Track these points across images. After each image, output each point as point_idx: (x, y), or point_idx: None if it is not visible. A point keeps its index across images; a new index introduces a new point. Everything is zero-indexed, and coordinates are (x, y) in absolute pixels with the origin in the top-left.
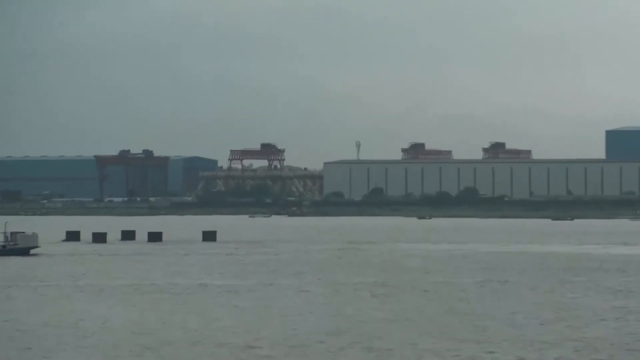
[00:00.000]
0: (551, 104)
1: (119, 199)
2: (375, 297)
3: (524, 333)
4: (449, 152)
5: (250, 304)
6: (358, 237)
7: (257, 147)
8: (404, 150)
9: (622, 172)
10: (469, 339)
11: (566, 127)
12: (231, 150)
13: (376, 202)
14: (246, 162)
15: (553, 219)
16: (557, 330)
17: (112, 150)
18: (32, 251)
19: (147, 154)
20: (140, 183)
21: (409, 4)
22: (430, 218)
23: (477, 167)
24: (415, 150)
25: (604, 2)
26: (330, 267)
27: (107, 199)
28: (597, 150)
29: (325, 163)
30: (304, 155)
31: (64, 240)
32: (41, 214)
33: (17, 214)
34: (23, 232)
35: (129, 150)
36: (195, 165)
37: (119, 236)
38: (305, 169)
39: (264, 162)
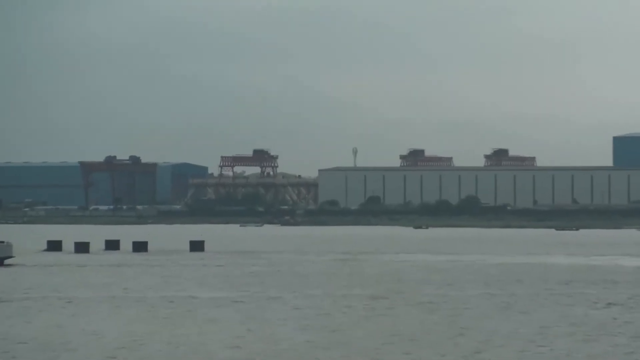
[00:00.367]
0: (556, 109)
1: (105, 207)
2: (371, 311)
3: (528, 349)
4: (450, 158)
5: (238, 318)
6: (354, 247)
7: (249, 153)
8: (402, 157)
9: (630, 181)
10: (470, 353)
11: (572, 133)
12: (222, 157)
13: (373, 211)
14: (238, 169)
15: (557, 229)
16: (562, 345)
17: (98, 157)
18: (6, 261)
19: (134, 160)
20: (127, 190)
21: (407, 7)
22: (427, 228)
23: (478, 174)
24: (414, 157)
25: (610, 4)
26: (325, 279)
27: (92, 207)
28: (604, 157)
29: (320, 170)
30: (298, 162)
31: (44, 250)
32: (23, 223)
33: None
34: None
35: (115, 156)
36: (184, 172)
37: (103, 246)
38: (299, 176)
39: (256, 169)
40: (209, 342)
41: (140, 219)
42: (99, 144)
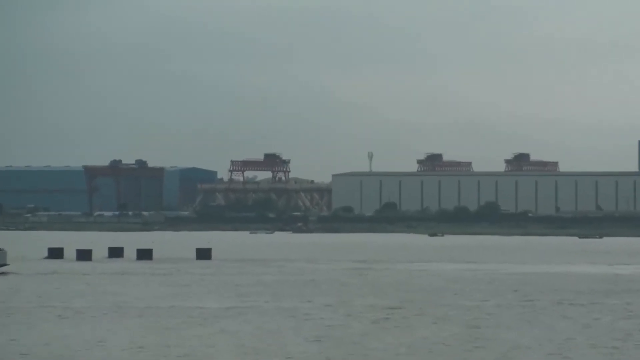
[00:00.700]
0: (580, 112)
1: (110, 213)
2: (387, 321)
3: None
4: (469, 163)
5: (248, 329)
6: (369, 255)
7: (260, 157)
8: (419, 162)
9: None
10: None
11: (596, 137)
12: (232, 161)
13: (389, 218)
14: (248, 174)
15: (580, 237)
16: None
17: (103, 161)
18: (0, 270)
19: (141, 164)
20: (133, 196)
21: (426, 9)
22: (442, 235)
23: (498, 180)
24: (432, 162)
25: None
26: (339, 289)
27: (96, 213)
28: (630, 162)
29: (333, 175)
30: (310, 166)
31: (45, 258)
32: (24, 229)
33: None
34: None
35: (120, 160)
36: (192, 177)
37: (106, 253)
38: (312, 181)
39: (267, 174)
40: (218, 354)
41: (147, 226)
42: (103, 147)
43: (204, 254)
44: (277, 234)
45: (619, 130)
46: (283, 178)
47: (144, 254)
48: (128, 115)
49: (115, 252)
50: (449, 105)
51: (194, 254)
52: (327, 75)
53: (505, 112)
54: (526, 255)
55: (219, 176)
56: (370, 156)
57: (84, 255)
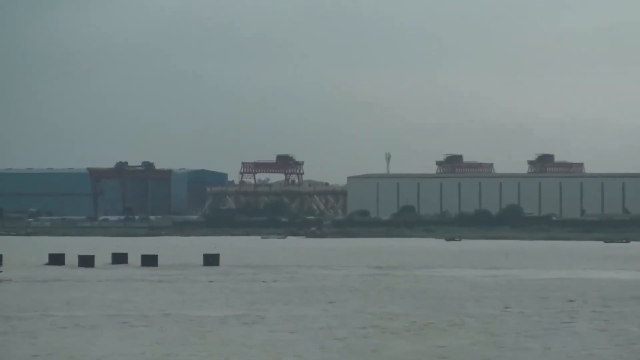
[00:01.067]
0: (605, 112)
1: (115, 218)
2: (407, 330)
3: None
4: (490, 165)
5: (260, 338)
6: (386, 261)
7: (273, 159)
8: (438, 163)
9: None
10: None
11: (623, 137)
12: (243, 163)
13: (407, 222)
14: (260, 176)
15: (606, 241)
16: None
17: (108, 163)
18: None
19: (147, 166)
20: (139, 199)
21: (445, 8)
22: (459, 240)
23: (521, 182)
24: (452, 163)
25: None
26: (355, 296)
27: (101, 218)
28: None
29: (349, 177)
30: (325, 168)
31: (46, 264)
32: (27, 234)
33: None
34: None
35: (126, 163)
36: (201, 180)
37: (110, 259)
38: (327, 184)
39: (280, 176)
40: None
41: (154, 231)
42: (108, 149)
43: (211, 259)
44: (290, 238)
45: None
46: (296, 180)
47: (149, 260)
48: (134, 116)
49: (119, 258)
50: (469, 105)
51: (201, 260)
52: (343, 74)
53: (528, 112)
54: (550, 260)
55: (229, 178)
56: (388, 157)
57: (86, 261)
